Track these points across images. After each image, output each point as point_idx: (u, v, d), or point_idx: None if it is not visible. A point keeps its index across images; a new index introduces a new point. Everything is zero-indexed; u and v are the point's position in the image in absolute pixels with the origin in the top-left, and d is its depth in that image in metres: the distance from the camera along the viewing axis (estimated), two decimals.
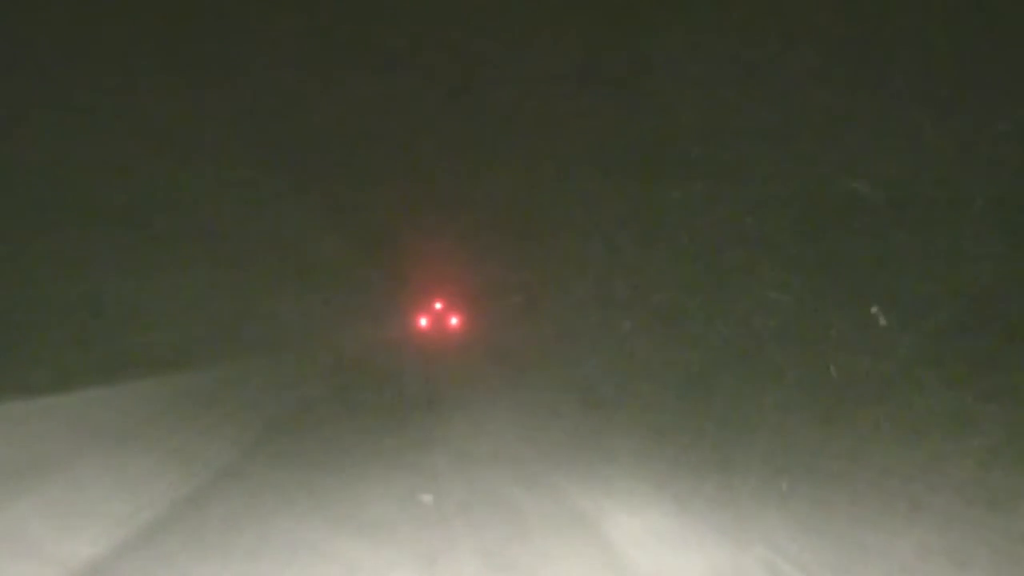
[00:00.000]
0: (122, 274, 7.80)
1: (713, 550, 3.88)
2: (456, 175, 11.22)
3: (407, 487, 4.91)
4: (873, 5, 5.92)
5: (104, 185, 7.86)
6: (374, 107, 10.51)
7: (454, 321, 13.06)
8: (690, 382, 7.04)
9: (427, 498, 4.37)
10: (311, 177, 11.33)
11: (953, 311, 5.10)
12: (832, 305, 5.97)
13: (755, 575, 3.63)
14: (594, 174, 9.33)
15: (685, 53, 7.35)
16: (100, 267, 7.55)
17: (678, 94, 7.61)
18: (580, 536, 4.09)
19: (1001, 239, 4.96)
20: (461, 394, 8.38)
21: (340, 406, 7.37)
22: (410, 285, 12.87)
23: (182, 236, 9.00)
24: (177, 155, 8.79)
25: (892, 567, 3.52)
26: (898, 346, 5.31)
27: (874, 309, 5.48)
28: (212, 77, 9.07)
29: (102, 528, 4.09)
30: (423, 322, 13.11)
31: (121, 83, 8.12)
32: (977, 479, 4.05)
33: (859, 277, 5.92)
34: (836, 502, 4.30)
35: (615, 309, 9.14)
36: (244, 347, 9.20)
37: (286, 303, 10.91)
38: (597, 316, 9.36)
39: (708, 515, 4.31)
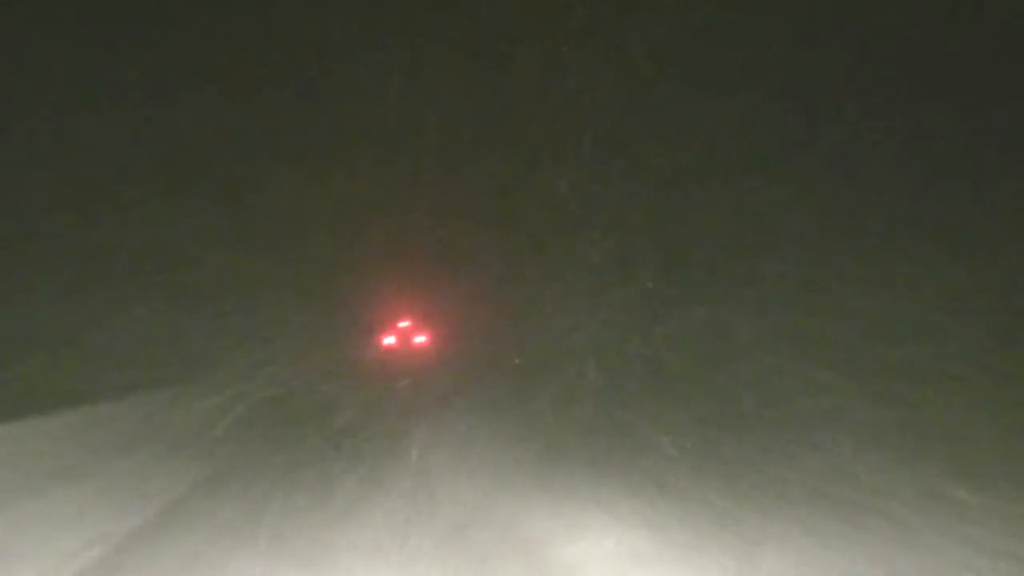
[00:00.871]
0: (56, 300, 7.50)
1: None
2: (417, 189, 11.02)
3: (362, 519, 4.77)
4: None
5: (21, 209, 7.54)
6: (328, 115, 10.21)
7: (421, 339, 12.87)
8: (665, 406, 6.96)
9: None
10: (274, 192, 11.02)
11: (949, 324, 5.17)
12: (817, 319, 6.01)
13: None
14: (562, 180, 9.22)
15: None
16: (29, 296, 7.25)
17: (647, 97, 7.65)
18: (539, 566, 4.01)
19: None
20: (426, 415, 8.22)
21: (298, 433, 7.14)
22: (375, 304, 12.64)
23: (121, 258, 8.68)
24: (113, 170, 8.46)
25: None
26: (891, 361, 5.34)
27: None
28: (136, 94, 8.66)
29: (47, 567, 3.91)
30: (389, 341, 12.89)
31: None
32: (978, 505, 4.05)
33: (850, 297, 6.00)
34: (823, 526, 4.25)
35: (582, 329, 9.06)
36: (198, 370, 8.93)
37: (241, 325, 10.61)
38: (564, 334, 9.25)
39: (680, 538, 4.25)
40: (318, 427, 7.22)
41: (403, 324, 13.61)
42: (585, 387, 7.58)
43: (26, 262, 7.41)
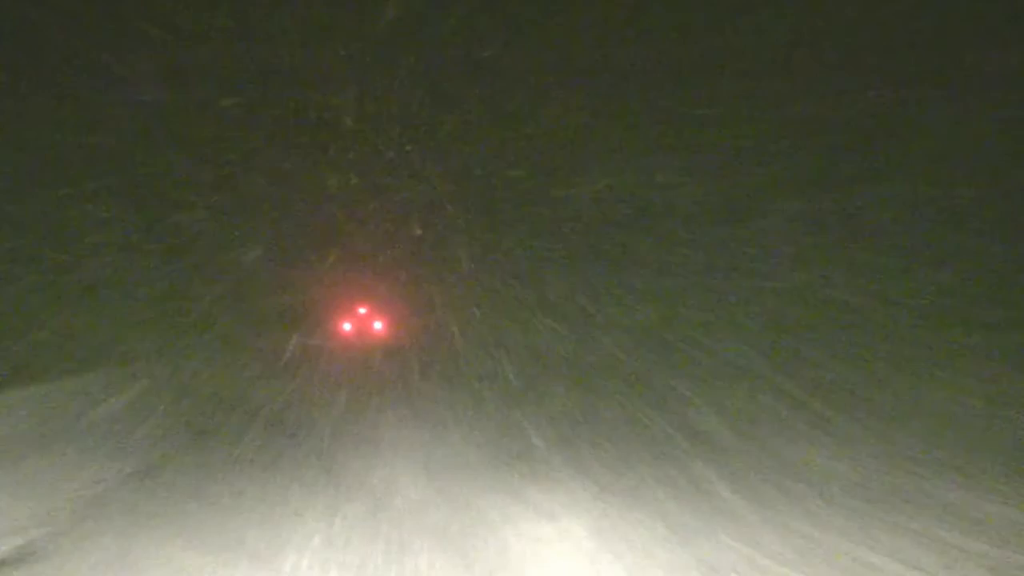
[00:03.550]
0: None
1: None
2: (377, 176, 10.60)
3: (313, 504, 4.40)
4: None
5: None
6: (287, 98, 9.76)
7: (378, 325, 12.43)
8: (627, 388, 6.80)
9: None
10: (225, 174, 10.48)
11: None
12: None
13: None
14: (518, 172, 9.03)
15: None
16: None
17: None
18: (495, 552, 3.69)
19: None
20: (382, 402, 7.81)
21: (249, 417, 6.67)
22: (333, 290, 12.18)
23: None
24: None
25: None
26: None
27: None
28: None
29: None
30: (347, 327, 12.45)
31: None
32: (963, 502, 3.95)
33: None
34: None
35: (540, 315, 8.86)
36: (139, 350, 8.37)
37: (200, 303, 10.06)
38: (521, 322, 9.05)
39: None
40: (273, 414, 6.78)
41: (360, 311, 13.21)
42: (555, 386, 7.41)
43: None
